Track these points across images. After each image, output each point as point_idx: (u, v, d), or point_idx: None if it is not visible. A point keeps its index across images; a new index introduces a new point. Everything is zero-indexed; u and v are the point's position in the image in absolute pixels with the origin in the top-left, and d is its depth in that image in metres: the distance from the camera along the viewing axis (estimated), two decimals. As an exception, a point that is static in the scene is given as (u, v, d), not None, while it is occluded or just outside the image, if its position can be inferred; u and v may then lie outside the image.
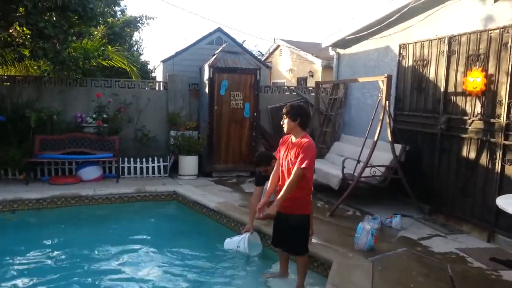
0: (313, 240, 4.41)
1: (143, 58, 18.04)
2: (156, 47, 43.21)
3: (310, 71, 14.66)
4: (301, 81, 15.50)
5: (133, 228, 5.56)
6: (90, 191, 6.33)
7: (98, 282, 3.95)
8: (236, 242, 4.60)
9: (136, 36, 16.87)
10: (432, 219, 5.62)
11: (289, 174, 3.55)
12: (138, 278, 4.06)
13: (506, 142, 4.69)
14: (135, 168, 7.85)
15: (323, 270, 3.98)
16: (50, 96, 7.92)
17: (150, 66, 18.82)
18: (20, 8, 6.51)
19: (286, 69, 16.68)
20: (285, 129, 3.64)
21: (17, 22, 6.77)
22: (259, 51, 21.56)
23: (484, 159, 5.01)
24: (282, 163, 3.67)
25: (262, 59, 16.78)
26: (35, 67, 8.21)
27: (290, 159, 3.55)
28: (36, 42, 6.87)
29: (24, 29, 7.01)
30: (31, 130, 7.21)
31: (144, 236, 5.27)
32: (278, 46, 17.35)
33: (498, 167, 4.77)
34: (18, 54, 7.33)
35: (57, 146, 7.28)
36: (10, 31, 7.31)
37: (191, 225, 5.80)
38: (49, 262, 4.38)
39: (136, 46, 17.59)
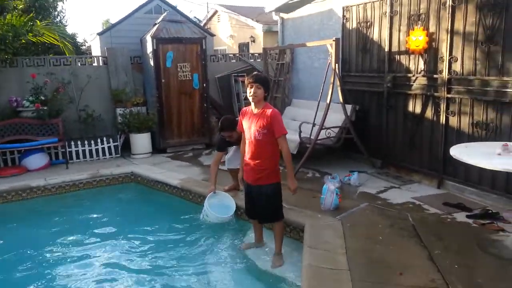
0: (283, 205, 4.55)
1: (69, 30, 16.81)
2: (82, 17, 40.19)
3: (252, 36, 14.55)
4: (243, 47, 15.37)
5: (94, 216, 5.35)
6: (41, 181, 5.96)
7: (64, 278, 3.78)
8: (203, 213, 4.61)
9: (59, 6, 15.62)
10: (384, 172, 6.02)
11: (255, 145, 3.58)
12: (111, 267, 3.96)
13: (449, 95, 5.06)
14: (83, 151, 7.47)
15: (296, 234, 4.16)
16: (-23, 81, 7.19)
17: (79, 39, 17.61)
18: None
19: (226, 36, 16.40)
20: (252, 98, 3.52)
21: None
22: (195, 17, 20.84)
23: (429, 113, 5.39)
24: (247, 135, 3.66)
25: (200, 25, 16.32)
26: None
27: (257, 130, 3.54)
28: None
29: None
30: (-40, 120, 6.55)
31: (108, 224, 5.07)
32: (216, 11, 16.94)
33: (442, 119, 5.16)
34: None
35: (-6, 135, 6.70)
36: None
37: (155, 205, 5.70)
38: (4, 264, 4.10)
39: (59, 17, 16.30)
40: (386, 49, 5.93)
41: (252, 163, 3.66)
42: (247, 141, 3.69)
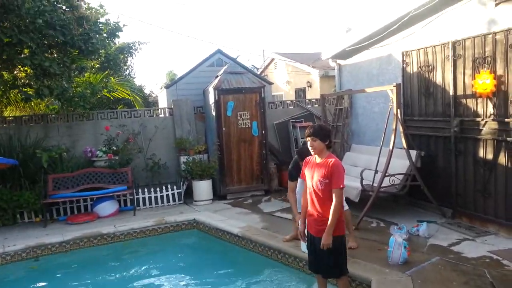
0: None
1: (137, 82, 18.15)
2: (148, 70, 43.41)
3: (308, 82, 14.78)
4: (299, 92, 15.62)
5: (160, 263, 5.51)
6: (111, 228, 6.28)
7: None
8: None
9: (129, 61, 16.99)
10: (456, 222, 5.64)
11: (317, 195, 3.54)
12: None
13: (523, 140, 4.74)
14: (149, 198, 7.82)
15: (362, 289, 3.96)
16: (58, 133, 7.92)
17: (146, 91, 18.92)
18: (25, 50, 6.54)
19: (283, 82, 16.80)
20: (312, 151, 3.54)
21: (21, 63, 6.79)
22: (252, 65, 21.68)
23: (502, 159, 5.05)
24: (309, 184, 3.64)
25: (257, 73, 16.91)
26: (42, 106, 8.20)
27: (319, 180, 3.51)
28: (41, 81, 6.89)
29: (28, 69, 7.02)
30: (43, 170, 7.18)
31: (174, 271, 5.20)
32: (273, 59, 17.51)
33: (518, 166, 4.80)
34: (24, 95, 7.32)
35: (70, 183, 7.26)
36: (15, 72, 7.33)
37: (217, 253, 5.76)
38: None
39: (128, 70, 17.70)
40: (451, 92, 5.74)
41: (315, 214, 3.59)
42: (308, 191, 3.67)
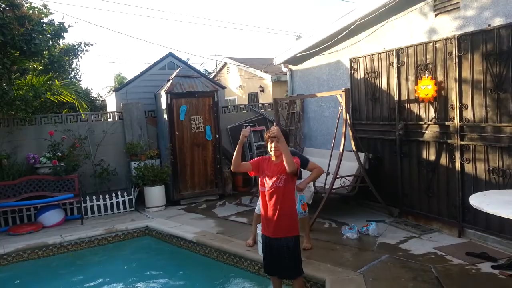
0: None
1: (83, 85, 17.43)
2: (95, 73, 41.83)
3: (261, 86, 14.93)
4: (252, 96, 15.73)
5: (110, 273, 5.29)
6: (57, 238, 5.95)
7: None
8: None
9: (74, 63, 16.25)
10: (403, 221, 5.92)
11: (276, 194, 3.53)
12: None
13: (462, 142, 5.07)
14: (98, 206, 7.50)
15: (316, 289, 4.05)
16: (-3, 139, 7.40)
17: (93, 94, 18.20)
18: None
19: (236, 86, 16.86)
20: (274, 153, 3.56)
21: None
22: (205, 69, 21.56)
23: (444, 160, 5.38)
24: (266, 184, 3.61)
25: (210, 77, 16.85)
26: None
27: (278, 176, 3.52)
28: (-23, 84, 6.42)
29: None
30: (-20, 178, 6.68)
31: (125, 281, 5.00)
32: (225, 64, 17.53)
33: (458, 166, 5.13)
34: (-41, 99, 6.78)
35: (12, 192, 6.80)
36: None
37: (171, 260, 5.64)
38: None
39: (73, 73, 16.94)
40: (396, 97, 6.04)
41: (272, 214, 3.59)
42: (266, 191, 3.63)
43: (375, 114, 6.53)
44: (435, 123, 5.46)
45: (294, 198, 3.66)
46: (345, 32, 6.79)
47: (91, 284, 4.98)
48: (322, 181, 6.13)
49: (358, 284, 3.82)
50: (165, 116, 7.90)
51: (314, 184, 6.01)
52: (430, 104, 5.52)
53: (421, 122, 5.67)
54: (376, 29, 6.41)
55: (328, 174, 6.16)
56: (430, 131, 5.53)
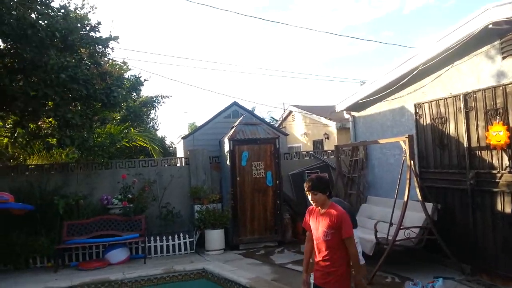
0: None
1: (159, 134, 18.66)
2: (171, 122, 44.89)
3: (326, 134, 14.87)
4: (317, 143, 15.68)
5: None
6: (119, 275, 6.24)
7: None
8: None
9: (152, 114, 17.60)
10: (475, 279, 5.34)
11: (324, 246, 3.43)
12: None
13: (542, 194, 4.57)
14: (161, 246, 7.78)
15: None
16: (77, 181, 8.13)
17: (167, 141, 19.40)
18: (49, 102, 6.91)
19: (300, 133, 16.96)
20: (314, 204, 3.49)
21: (45, 115, 7.15)
22: (271, 117, 22.10)
23: (521, 212, 4.86)
24: (316, 235, 3.55)
25: (276, 125, 17.20)
26: (63, 155, 8.53)
27: (325, 231, 3.43)
28: (63, 132, 7.20)
29: (52, 120, 7.38)
30: (59, 216, 7.31)
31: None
32: (291, 112, 17.83)
33: (538, 220, 4.61)
34: (46, 144, 7.64)
35: (84, 230, 7.34)
36: (39, 123, 7.72)
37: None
38: None
39: (151, 123, 18.28)
40: (465, 144, 5.69)
41: (322, 265, 3.48)
42: (315, 242, 3.56)
43: (444, 162, 6.16)
44: (509, 172, 5.01)
45: (344, 251, 3.46)
46: (408, 78, 6.64)
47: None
48: (385, 232, 5.81)
49: None
50: (228, 161, 8.15)
51: (375, 234, 5.71)
52: (503, 151, 5.11)
53: (494, 171, 5.24)
54: (440, 74, 6.20)
55: (391, 224, 5.83)
56: (505, 180, 5.08)
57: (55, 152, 8.68)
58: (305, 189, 3.52)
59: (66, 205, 7.36)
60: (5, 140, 8.36)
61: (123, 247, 7.40)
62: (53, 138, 7.42)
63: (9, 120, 8.00)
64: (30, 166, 8.34)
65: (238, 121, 8.77)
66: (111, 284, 6.10)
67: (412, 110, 6.84)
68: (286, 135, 10.58)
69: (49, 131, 7.45)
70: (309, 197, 3.49)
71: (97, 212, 7.75)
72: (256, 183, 8.11)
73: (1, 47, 6.67)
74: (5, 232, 6.90)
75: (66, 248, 7.21)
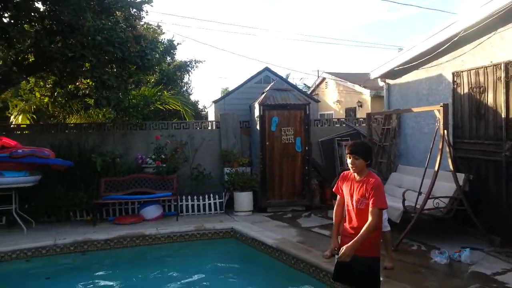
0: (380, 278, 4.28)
1: (192, 98, 18.89)
2: (204, 86, 45.19)
3: (359, 101, 14.62)
4: (350, 111, 15.46)
5: (194, 267, 5.69)
6: (153, 230, 6.59)
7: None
8: None
9: (186, 78, 17.78)
10: (505, 251, 5.28)
11: (358, 214, 3.39)
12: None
13: None
14: (192, 205, 8.08)
15: (393, 310, 3.84)
16: (113, 141, 8.47)
17: (200, 106, 19.65)
18: (86, 64, 7.14)
19: (333, 101, 16.74)
20: (353, 169, 3.41)
21: (83, 76, 7.40)
22: (304, 84, 21.82)
23: (558, 187, 4.71)
24: (348, 202, 3.50)
25: (308, 92, 17.00)
26: (100, 115, 8.86)
27: (359, 199, 3.37)
28: (100, 93, 7.45)
29: (89, 81, 7.64)
30: (97, 173, 7.70)
31: (207, 276, 5.34)
32: (324, 79, 17.54)
33: None
34: (84, 104, 7.96)
35: (120, 187, 7.70)
36: (77, 83, 8.01)
37: (250, 262, 5.83)
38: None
39: (185, 87, 18.49)
40: (503, 115, 5.48)
41: (352, 232, 3.43)
42: (346, 209, 3.51)
43: (479, 133, 5.99)
44: (548, 144, 4.82)
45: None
46: (447, 45, 6.37)
47: (175, 274, 5.42)
48: (413, 201, 5.78)
49: (438, 310, 3.54)
50: (257, 126, 8.23)
51: (403, 203, 5.70)
52: (543, 123, 4.91)
53: (532, 143, 5.06)
54: (482, 41, 5.91)
55: (420, 193, 5.80)
56: (543, 152, 4.90)
57: (92, 112, 9.03)
58: (346, 151, 3.44)
59: (103, 163, 7.71)
60: (46, 99, 8.75)
61: (157, 204, 7.75)
62: (91, 99, 7.70)
63: (49, 80, 8.34)
64: (69, 125, 8.74)
65: (269, 86, 8.75)
66: (145, 238, 6.45)
67: (450, 79, 6.60)
68: (317, 101, 10.49)
69: (87, 92, 7.72)
70: (349, 161, 3.40)
71: (132, 171, 8.10)
72: (285, 148, 8.17)
73: (41, 10, 6.86)
74: (46, 186, 7.36)
75: (103, 203, 7.62)
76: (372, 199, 3.28)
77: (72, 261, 5.79)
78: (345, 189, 3.53)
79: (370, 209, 3.28)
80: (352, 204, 3.43)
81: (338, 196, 3.66)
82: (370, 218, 3.26)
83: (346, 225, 3.52)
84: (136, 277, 5.36)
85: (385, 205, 3.32)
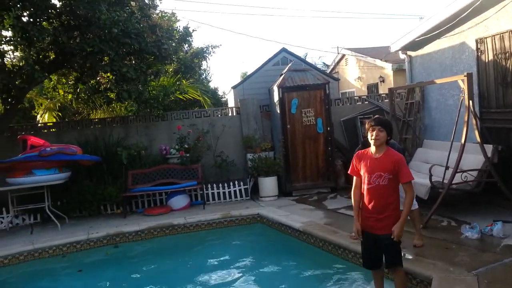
0: (408, 256, 4.25)
1: (212, 85, 18.90)
2: (223, 72, 45.05)
3: (381, 77, 14.28)
4: (372, 88, 15.15)
5: (222, 254, 5.78)
6: (181, 220, 6.72)
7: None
8: None
9: (204, 65, 17.76)
10: (539, 223, 5.12)
11: (378, 192, 3.37)
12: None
13: None
14: (218, 193, 8.17)
15: None
16: (137, 133, 8.62)
17: (220, 92, 19.67)
18: (105, 57, 7.22)
19: (354, 78, 16.42)
20: (376, 142, 3.37)
21: (103, 70, 7.50)
22: (323, 63, 21.45)
23: None
24: (367, 180, 3.47)
25: (328, 71, 16.71)
26: (123, 108, 9.00)
27: (380, 174, 3.34)
28: (120, 86, 7.55)
29: (109, 75, 7.74)
30: (123, 166, 7.87)
31: (234, 262, 5.42)
32: (344, 55, 17.19)
33: None
34: (106, 98, 8.10)
35: (147, 179, 7.87)
36: (98, 78, 8.13)
37: (278, 247, 5.87)
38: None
39: (204, 74, 18.49)
40: (532, 81, 5.24)
41: (373, 211, 3.42)
42: (365, 187, 3.47)
43: (507, 101, 5.77)
44: None
45: (398, 195, 3.44)
46: (469, 11, 6.10)
47: (206, 260, 5.52)
48: (441, 176, 5.65)
49: (469, 285, 3.47)
50: (278, 109, 8.18)
51: (430, 179, 5.58)
52: None
53: None
54: (506, 4, 5.61)
55: (447, 168, 5.65)
56: None
57: (115, 106, 9.19)
58: (370, 124, 3.41)
59: (129, 156, 7.87)
60: (69, 96, 8.96)
61: (184, 194, 7.88)
62: (112, 93, 7.81)
63: (70, 77, 8.51)
64: (94, 120, 8.93)
65: (287, 68, 8.65)
66: (175, 228, 6.60)
67: (474, 46, 6.36)
68: (337, 79, 10.30)
69: (108, 86, 7.84)
70: (373, 134, 3.37)
71: (157, 162, 8.25)
72: (307, 130, 8.11)
73: (57, 6, 6.95)
74: (76, 182, 7.58)
75: (132, 196, 7.80)
76: (401, 174, 3.32)
77: (106, 254, 5.98)
78: (363, 168, 3.50)
79: (403, 184, 3.36)
80: (372, 182, 3.40)
81: (355, 178, 3.61)
82: (406, 193, 3.36)
83: (366, 204, 3.49)
84: (168, 266, 5.50)
85: (412, 177, 3.40)
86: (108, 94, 7.95)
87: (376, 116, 3.60)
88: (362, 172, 3.52)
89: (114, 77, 7.46)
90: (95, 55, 6.87)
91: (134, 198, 7.96)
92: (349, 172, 3.68)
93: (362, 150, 3.62)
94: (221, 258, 5.61)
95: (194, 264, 5.48)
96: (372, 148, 3.47)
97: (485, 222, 5.10)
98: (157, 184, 7.84)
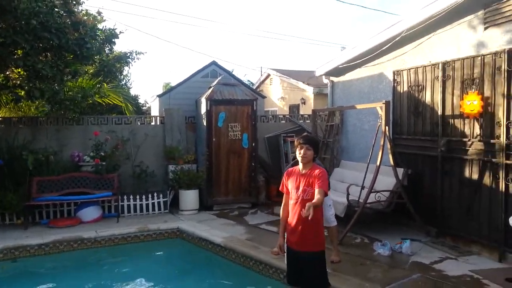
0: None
1: (132, 92, 18.11)
2: (145, 80, 43.65)
3: (302, 98, 14.88)
4: (293, 108, 15.70)
5: (138, 270, 5.44)
6: (92, 233, 6.19)
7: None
8: None
9: (125, 70, 17.01)
10: (440, 241, 5.62)
11: (302, 205, 3.33)
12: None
13: (508, 162, 4.77)
14: (134, 205, 7.72)
15: (341, 303, 3.90)
16: (46, 136, 7.85)
17: (140, 100, 18.91)
18: (18, 51, 6.53)
19: (277, 97, 16.90)
20: (303, 160, 3.45)
21: (14, 64, 6.77)
22: (248, 80, 21.83)
23: (487, 179, 5.07)
24: (293, 195, 3.53)
25: (252, 88, 16.99)
26: (32, 108, 8.17)
27: (305, 189, 3.42)
28: (33, 83, 6.85)
29: (20, 70, 7.00)
30: (28, 172, 7.09)
31: (152, 280, 5.11)
32: (269, 75, 17.65)
33: (502, 186, 4.82)
34: (14, 96, 7.29)
35: (55, 187, 7.16)
36: (7, 73, 7.31)
37: (198, 263, 5.69)
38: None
39: (125, 80, 17.69)
40: (439, 112, 5.80)
41: (296, 226, 3.48)
42: (291, 203, 3.54)
43: (417, 129, 6.30)
44: (479, 140, 5.18)
45: (321, 211, 3.54)
46: (389, 44, 6.62)
47: (117, 278, 5.13)
48: (356, 195, 5.96)
49: (385, 301, 3.65)
50: (204, 122, 8.05)
51: (347, 197, 5.86)
52: (475, 121, 5.26)
53: (465, 139, 5.40)
54: (421, 42, 6.21)
55: (363, 187, 5.99)
56: (474, 148, 5.25)
57: (23, 105, 8.30)
58: (299, 142, 3.49)
59: (35, 161, 7.10)
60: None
61: (96, 205, 7.29)
62: (22, 90, 7.05)
63: (-27, 69, 7.53)
64: (-4, 119, 7.98)
65: (216, 81, 8.59)
66: (84, 242, 6.04)
67: (391, 77, 6.88)
68: (264, 97, 10.49)
69: (18, 82, 7.06)
70: (301, 152, 3.44)
71: (68, 169, 7.55)
72: (232, 144, 8.08)
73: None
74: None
75: (36, 205, 7.04)
76: (318, 183, 3.34)
77: (0, 269, 5.28)
78: (291, 184, 3.58)
79: (316, 190, 3.31)
80: (298, 196, 3.47)
81: (284, 195, 3.67)
82: (317, 195, 3.27)
83: (291, 220, 3.55)
84: (73, 284, 5.00)
85: (328, 191, 3.43)
86: (18, 91, 7.16)
87: (305, 134, 3.71)
88: (290, 188, 3.58)
89: (26, 73, 6.74)
90: (7, 46, 6.16)
91: (38, 208, 7.18)
92: (279, 189, 3.72)
93: (291, 168, 3.70)
94: (136, 276, 5.25)
95: (104, 284, 5.04)
96: (300, 165, 3.55)
97: (394, 240, 5.47)
98: (66, 194, 7.16)
